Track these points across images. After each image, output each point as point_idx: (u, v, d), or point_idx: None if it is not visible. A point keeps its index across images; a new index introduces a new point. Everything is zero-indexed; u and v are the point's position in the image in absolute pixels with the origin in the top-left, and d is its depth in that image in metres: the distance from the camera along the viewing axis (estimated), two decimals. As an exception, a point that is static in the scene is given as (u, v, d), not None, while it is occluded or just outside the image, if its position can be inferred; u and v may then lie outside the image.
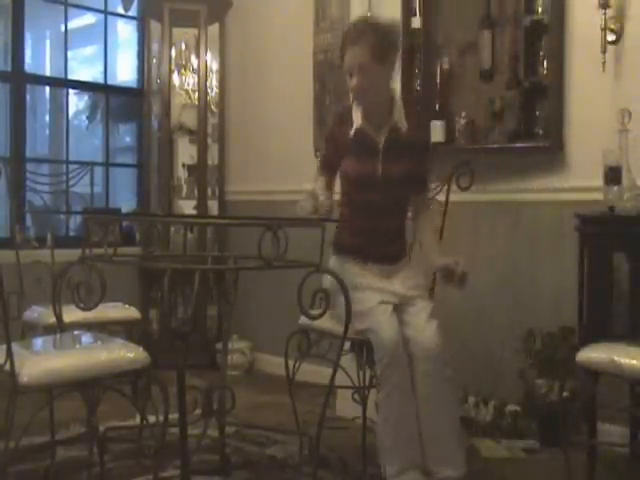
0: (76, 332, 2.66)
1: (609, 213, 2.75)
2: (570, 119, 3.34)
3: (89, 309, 2.13)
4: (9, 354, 2.07)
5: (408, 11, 3.77)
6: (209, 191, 4.89)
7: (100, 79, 5.15)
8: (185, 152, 4.95)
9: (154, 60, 4.92)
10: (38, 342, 2.60)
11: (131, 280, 4.62)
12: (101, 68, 5.08)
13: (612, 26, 3.13)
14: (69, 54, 4.94)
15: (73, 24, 5.25)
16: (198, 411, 2.39)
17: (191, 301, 3.64)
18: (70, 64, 5.02)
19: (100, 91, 5.33)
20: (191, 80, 4.90)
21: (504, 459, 3.04)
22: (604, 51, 3.15)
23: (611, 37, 3.14)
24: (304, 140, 4.37)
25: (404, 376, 2.49)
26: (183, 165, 4.95)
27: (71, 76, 5.06)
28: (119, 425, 3.09)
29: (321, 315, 2.20)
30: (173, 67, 4.87)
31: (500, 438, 3.22)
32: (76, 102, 6.45)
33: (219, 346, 4.08)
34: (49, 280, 3.06)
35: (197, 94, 4.84)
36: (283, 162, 4.57)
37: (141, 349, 2.32)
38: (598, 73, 3.20)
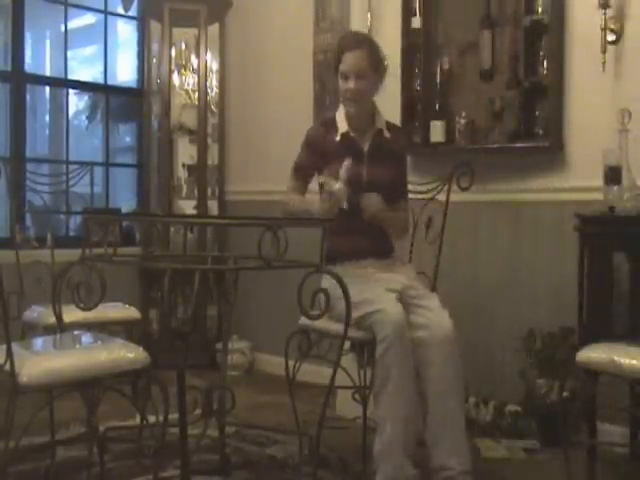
0: (76, 332, 2.66)
1: (609, 213, 2.75)
2: (570, 119, 3.34)
3: (89, 309, 2.12)
4: (9, 354, 2.07)
5: (408, 11, 3.77)
6: (209, 191, 4.89)
7: (100, 79, 5.14)
8: (185, 152, 4.94)
9: (154, 60, 4.92)
10: (38, 342, 2.60)
11: (131, 280, 4.61)
12: (101, 68, 5.07)
13: (612, 26, 3.13)
14: (69, 54, 4.93)
15: (73, 24, 5.24)
16: (198, 411, 2.38)
17: (191, 301, 3.63)
18: (70, 64, 5.01)
19: (100, 91, 5.33)
20: (191, 80, 4.90)
21: (504, 459, 3.04)
22: (604, 51, 3.15)
23: (611, 37, 3.14)
24: (304, 140, 4.36)
25: (405, 361, 2.44)
26: (183, 165, 4.95)
27: (71, 76, 5.05)
28: (119, 425, 3.09)
29: (321, 315, 2.20)
30: (173, 67, 4.86)
31: (500, 438, 3.22)
32: (76, 102, 6.45)
33: (219, 346, 4.08)
34: (49, 280, 3.06)
35: (197, 94, 4.84)
36: (283, 162, 4.52)
37: (141, 349, 2.32)
38: (598, 73, 3.20)
